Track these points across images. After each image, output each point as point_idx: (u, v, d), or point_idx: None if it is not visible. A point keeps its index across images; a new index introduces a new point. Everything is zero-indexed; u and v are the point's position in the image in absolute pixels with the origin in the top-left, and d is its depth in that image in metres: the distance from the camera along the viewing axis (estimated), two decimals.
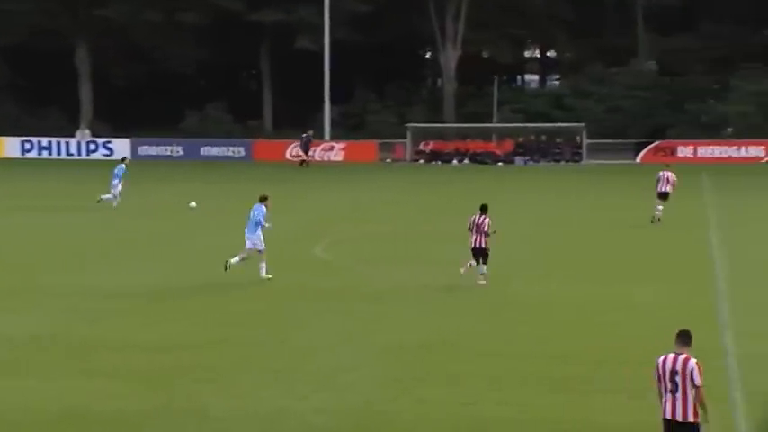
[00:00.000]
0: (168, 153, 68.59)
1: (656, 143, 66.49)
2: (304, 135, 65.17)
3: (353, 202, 45.01)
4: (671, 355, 12.62)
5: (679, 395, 12.54)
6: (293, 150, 66.39)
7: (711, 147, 65.45)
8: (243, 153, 68.70)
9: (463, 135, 69.88)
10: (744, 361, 18.44)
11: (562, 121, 69.24)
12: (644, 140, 67.12)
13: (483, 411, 15.92)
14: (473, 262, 25.25)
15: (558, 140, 68.36)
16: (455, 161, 66.67)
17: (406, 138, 68.13)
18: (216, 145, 69.16)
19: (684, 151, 65.43)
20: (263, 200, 26.48)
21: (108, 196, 41.67)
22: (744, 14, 71.31)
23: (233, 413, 15.84)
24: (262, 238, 26.07)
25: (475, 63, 79.90)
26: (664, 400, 12.65)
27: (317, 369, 18.16)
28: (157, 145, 68.96)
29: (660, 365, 12.63)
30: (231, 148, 69.04)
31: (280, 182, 50.86)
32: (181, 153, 68.60)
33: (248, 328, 21.47)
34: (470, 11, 74.36)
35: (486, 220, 25.06)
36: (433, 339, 20.27)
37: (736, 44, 71.10)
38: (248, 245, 26.22)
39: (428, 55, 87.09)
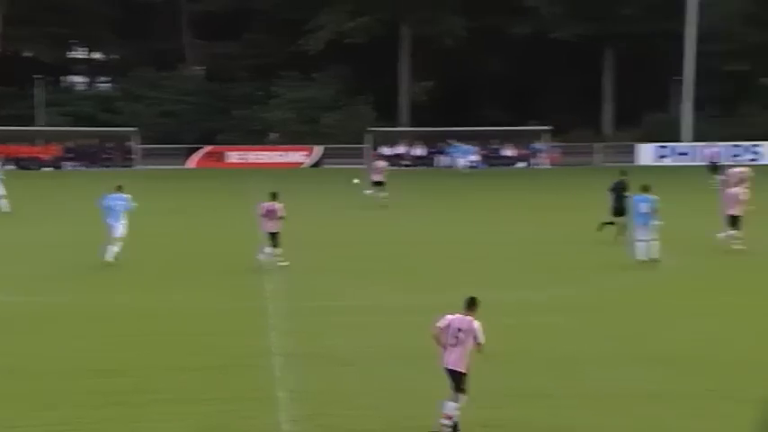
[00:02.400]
0: None
1: (207, 148, 67.74)
2: None
3: None
4: (459, 316, 15.12)
5: (458, 348, 15.01)
6: None
7: (258, 152, 67.64)
8: None
9: (4, 139, 66.46)
10: (289, 360, 19.46)
11: (113, 125, 68.72)
12: (195, 145, 68.14)
13: None
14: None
15: (108, 145, 67.71)
16: None
17: None
18: None
19: (234, 156, 67.18)
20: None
21: None
22: (281, 25, 74.28)
23: None
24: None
25: (15, 62, 76.84)
26: (445, 353, 15.10)
27: None
28: None
29: (448, 322, 15.11)
30: None
31: None
32: None
33: None
34: (8, 7, 71.64)
35: (278, 205, 28.61)
36: None
37: (276, 53, 73.89)
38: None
39: None
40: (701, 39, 65.20)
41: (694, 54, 64.99)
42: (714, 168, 52.69)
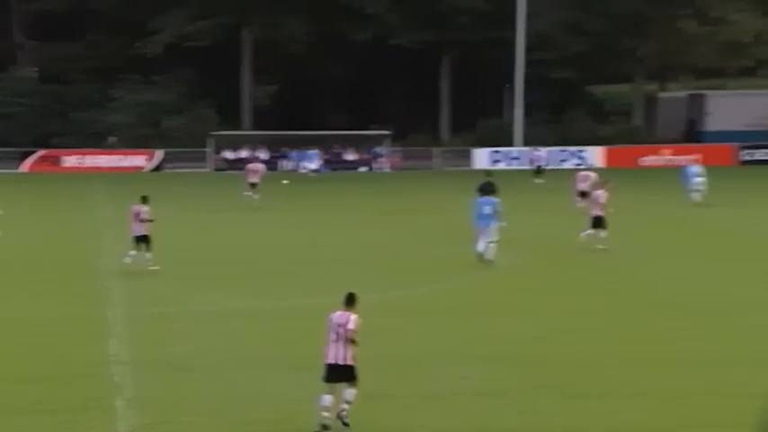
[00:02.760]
0: None
1: (41, 152, 66.10)
2: None
3: None
4: (339, 312, 15.78)
5: (341, 343, 15.58)
6: None
7: (96, 156, 66.34)
8: None
9: None
10: (128, 368, 19.23)
11: None
12: (30, 149, 66.41)
13: None
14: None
15: None
16: None
17: None
18: None
19: (70, 160, 65.70)
20: None
21: None
22: (121, 27, 73.08)
23: None
24: None
25: None
26: (329, 347, 15.65)
27: None
28: None
29: (330, 319, 15.78)
30: None
31: None
32: None
33: None
34: None
35: (144, 208, 28.69)
36: None
37: (116, 55, 72.62)
38: None
39: None
40: (531, 47, 66.92)
41: (524, 62, 66.62)
42: (538, 172, 56.47)
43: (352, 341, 15.60)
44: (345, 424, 15.66)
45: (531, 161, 59.80)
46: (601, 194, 33.19)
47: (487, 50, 72.74)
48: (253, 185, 45.17)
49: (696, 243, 35.32)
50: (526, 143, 66.60)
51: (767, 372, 18.75)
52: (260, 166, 47.23)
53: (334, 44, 73.61)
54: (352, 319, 15.64)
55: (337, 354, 15.62)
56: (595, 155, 65.86)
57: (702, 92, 79.62)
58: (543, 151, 60.20)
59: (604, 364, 19.52)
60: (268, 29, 72.23)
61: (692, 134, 73.47)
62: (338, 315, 15.75)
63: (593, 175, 41.22)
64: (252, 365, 19.26)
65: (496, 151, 66.15)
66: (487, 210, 30.18)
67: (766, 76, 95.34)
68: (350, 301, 15.91)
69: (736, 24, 78.57)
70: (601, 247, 32.11)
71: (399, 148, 67.63)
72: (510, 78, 68.58)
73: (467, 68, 75.26)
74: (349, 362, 15.63)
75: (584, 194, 39.93)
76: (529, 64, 66.53)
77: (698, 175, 44.16)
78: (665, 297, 25.68)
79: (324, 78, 77.43)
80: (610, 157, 65.61)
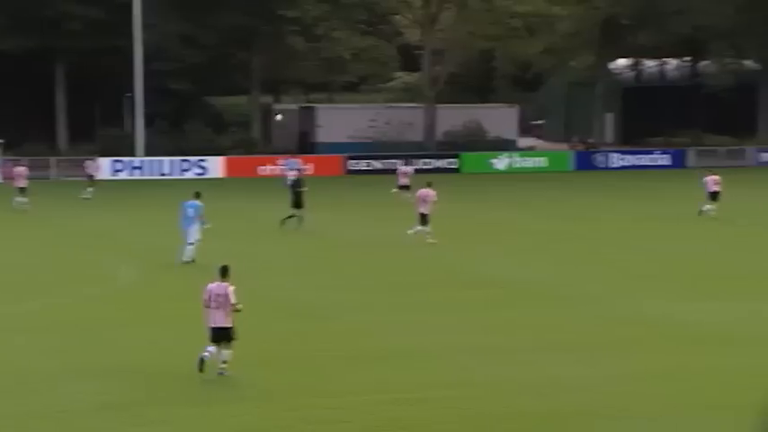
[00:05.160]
0: None
1: None
2: None
3: None
4: (216, 283, 19.25)
5: (220, 310, 19.13)
6: None
7: None
8: None
9: None
10: None
11: None
12: None
13: None
14: None
15: None
16: None
17: None
18: None
19: None
20: None
21: None
22: None
23: None
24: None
25: None
26: (211, 314, 19.20)
27: None
28: None
29: (209, 289, 19.23)
30: None
31: None
32: None
33: None
34: None
35: None
36: None
37: None
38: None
39: None
40: (149, 57, 66.90)
41: (142, 72, 66.50)
42: (91, 181, 52.81)
43: (236, 310, 19.10)
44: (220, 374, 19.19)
45: (87, 168, 54.81)
46: (427, 193, 36.56)
47: (104, 59, 71.95)
48: (21, 190, 46.55)
49: (294, 245, 36.67)
50: (148, 153, 66.50)
51: (358, 372, 20.18)
52: (23, 170, 47.87)
53: None
54: (231, 291, 19.03)
55: (219, 318, 19.08)
56: (216, 165, 66.83)
57: (312, 105, 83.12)
58: (93, 159, 57.22)
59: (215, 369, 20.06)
60: None
61: (305, 145, 76.30)
62: (216, 286, 19.17)
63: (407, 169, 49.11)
64: None
65: (118, 161, 65.48)
66: (191, 212, 31.90)
67: (366, 91, 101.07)
68: (225, 272, 19.28)
69: (339, 42, 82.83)
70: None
71: (12, 158, 65.46)
72: (130, 88, 68.26)
73: (83, 76, 73.98)
74: (228, 324, 19.17)
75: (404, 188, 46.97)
76: (148, 74, 66.45)
77: None
78: (283, 303, 26.62)
79: None
80: (230, 167, 66.81)
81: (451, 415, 17.31)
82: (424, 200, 36.65)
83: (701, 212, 43.42)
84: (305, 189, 40.51)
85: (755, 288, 28.57)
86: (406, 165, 51.98)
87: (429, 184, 37.55)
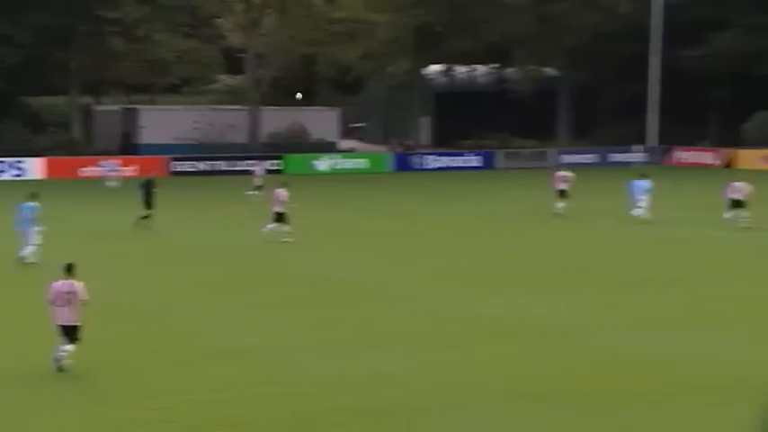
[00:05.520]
0: None
1: None
2: None
3: None
4: (61, 281, 19.43)
5: (70, 307, 19.35)
6: None
7: None
8: None
9: None
10: None
11: None
12: None
13: None
14: None
15: None
16: None
17: None
18: None
19: None
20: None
21: None
22: None
23: None
24: None
25: None
26: (58, 312, 19.34)
27: None
28: None
29: (55, 288, 19.40)
30: None
31: None
32: None
33: None
34: None
35: None
36: None
37: None
38: None
39: None
40: None
41: None
42: None
43: (84, 305, 19.34)
44: (60, 369, 19.44)
45: None
46: (282, 193, 37.83)
47: None
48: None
49: (125, 246, 36.99)
50: None
51: (190, 371, 20.99)
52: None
53: None
54: (81, 287, 19.35)
55: (68, 316, 19.32)
56: (35, 166, 66.00)
57: (135, 106, 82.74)
58: None
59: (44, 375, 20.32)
60: None
61: (127, 146, 76.00)
62: (61, 284, 19.39)
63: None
64: None
65: None
66: (28, 213, 32.28)
67: (189, 94, 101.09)
68: (70, 270, 19.53)
69: (161, 44, 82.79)
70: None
71: None
72: None
73: None
74: (76, 322, 19.43)
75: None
76: None
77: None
78: (117, 304, 26.94)
79: None
80: (50, 168, 66.12)
81: (277, 412, 17.73)
82: (278, 199, 38.05)
83: (553, 211, 45.97)
84: (156, 190, 41.83)
85: (565, 282, 30.44)
86: (258, 167, 55.29)
87: (284, 184, 39.01)
